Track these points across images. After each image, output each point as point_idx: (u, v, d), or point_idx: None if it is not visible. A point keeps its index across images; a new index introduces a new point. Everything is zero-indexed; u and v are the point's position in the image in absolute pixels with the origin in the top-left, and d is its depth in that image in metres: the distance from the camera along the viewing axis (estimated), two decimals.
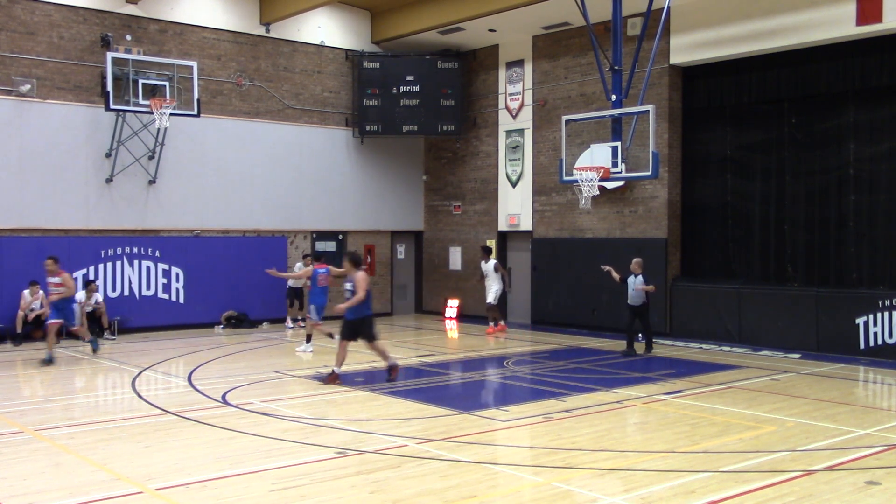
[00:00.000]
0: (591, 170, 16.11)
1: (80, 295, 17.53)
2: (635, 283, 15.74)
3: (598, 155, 16.21)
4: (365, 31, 23.10)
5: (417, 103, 22.60)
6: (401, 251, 24.52)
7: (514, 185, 22.13)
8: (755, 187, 18.21)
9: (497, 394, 12.83)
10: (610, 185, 18.14)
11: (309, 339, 16.47)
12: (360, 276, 12.66)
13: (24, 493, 7.12)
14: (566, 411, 10.59)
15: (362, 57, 22.73)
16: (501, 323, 19.97)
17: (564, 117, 17.30)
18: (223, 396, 11.56)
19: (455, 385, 13.50)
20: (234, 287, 20.75)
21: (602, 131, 17.76)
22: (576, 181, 16.44)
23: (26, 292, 17.44)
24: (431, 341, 18.64)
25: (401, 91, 22.59)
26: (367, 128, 22.78)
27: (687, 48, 18.41)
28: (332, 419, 10.10)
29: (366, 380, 13.09)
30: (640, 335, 16.47)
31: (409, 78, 22.58)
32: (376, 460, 8.21)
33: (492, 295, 19.59)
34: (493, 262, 19.84)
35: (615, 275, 16.27)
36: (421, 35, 22.06)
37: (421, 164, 24.55)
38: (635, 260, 15.99)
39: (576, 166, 16.49)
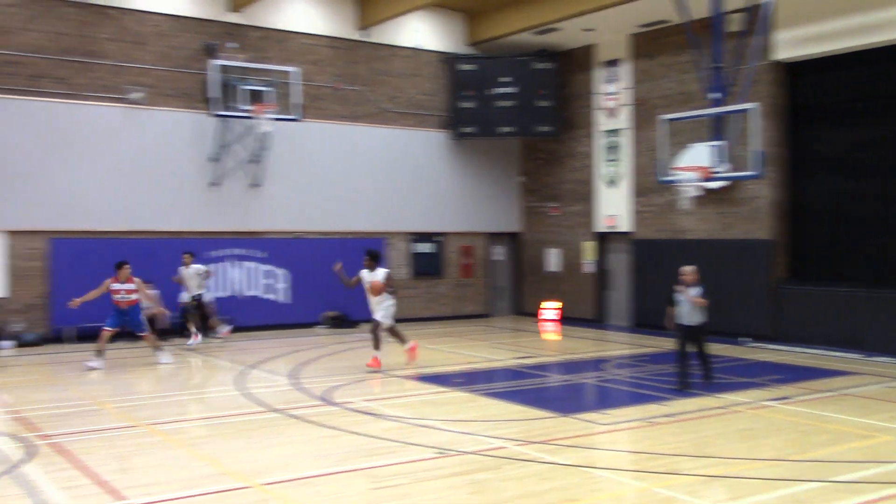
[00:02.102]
0: (691, 170, 15.78)
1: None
2: (689, 297, 12.21)
3: (698, 155, 15.86)
4: (460, 34, 23.18)
5: (513, 105, 22.54)
6: (498, 253, 24.50)
7: (611, 185, 21.86)
8: (867, 187, 17.45)
9: (597, 397, 12.68)
10: (711, 185, 17.71)
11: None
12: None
13: (141, 485, 7.39)
14: (668, 416, 10.38)
15: (458, 59, 22.82)
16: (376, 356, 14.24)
17: (663, 117, 16.99)
18: (325, 395, 11.77)
19: (553, 387, 13.40)
20: (334, 288, 21.07)
21: (703, 130, 17.36)
22: (675, 182, 16.12)
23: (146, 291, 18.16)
24: (529, 343, 18.57)
25: (496, 93, 22.58)
26: (463, 130, 22.85)
27: (792, 43, 17.82)
28: (431, 419, 10.16)
29: (465, 381, 13.12)
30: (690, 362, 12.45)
31: (505, 79, 22.54)
32: (475, 461, 8.22)
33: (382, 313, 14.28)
34: (382, 271, 14.32)
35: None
36: (516, 36, 22.01)
37: (517, 165, 24.47)
38: (689, 268, 12.44)
39: (676, 166, 16.18)
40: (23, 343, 17.09)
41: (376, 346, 14.10)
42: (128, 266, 14.88)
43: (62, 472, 7.81)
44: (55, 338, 17.71)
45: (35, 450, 8.62)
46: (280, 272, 20.57)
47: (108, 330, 14.64)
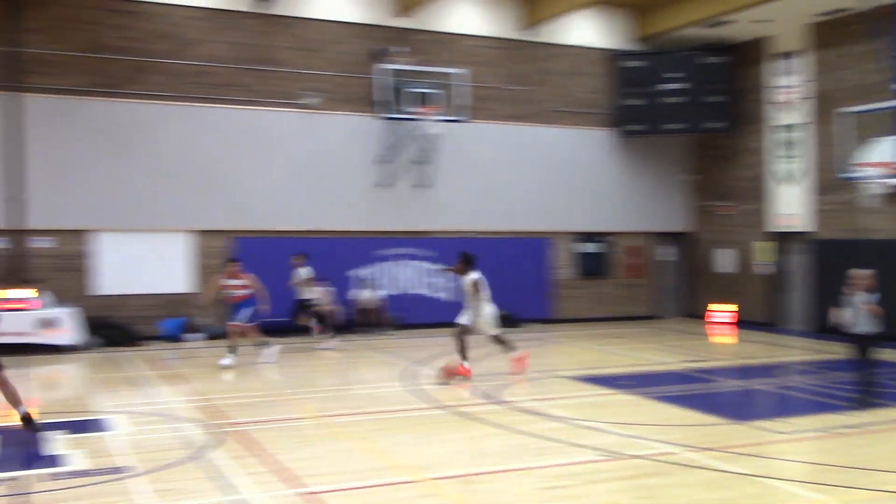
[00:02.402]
0: (875, 166, 14.86)
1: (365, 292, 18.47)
2: (861, 303, 10.98)
3: (883, 150, 14.92)
4: (626, 30, 22.78)
5: (683, 101, 21.94)
6: (665, 253, 23.92)
7: (787, 183, 20.87)
8: None
9: (772, 404, 12.16)
10: None
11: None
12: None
13: (318, 474, 7.73)
14: (853, 426, 9.82)
15: (624, 56, 22.44)
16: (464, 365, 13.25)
17: (843, 110, 16.06)
18: (491, 393, 11.88)
19: (725, 393, 12.95)
20: (500, 287, 21.13)
21: (888, 124, 16.28)
22: (858, 178, 15.21)
23: (318, 289, 18.91)
24: (699, 346, 18.03)
25: (665, 89, 22.04)
26: (630, 128, 22.46)
27: None
28: (598, 421, 10.06)
29: (632, 383, 12.90)
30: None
31: (674, 75, 21.98)
32: (644, 466, 8.07)
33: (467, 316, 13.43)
34: (471, 276, 13.37)
35: None
36: (685, 30, 21.41)
37: (685, 163, 23.80)
38: (863, 272, 11.12)
39: (859, 162, 15.27)
40: (212, 336, 18.18)
41: (461, 353, 13.09)
42: (236, 263, 15.17)
43: (246, 458, 8.28)
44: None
45: (222, 437, 9.17)
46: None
47: (236, 325, 14.92)
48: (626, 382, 12.95)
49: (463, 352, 13.16)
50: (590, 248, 22.70)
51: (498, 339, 13.59)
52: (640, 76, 22.25)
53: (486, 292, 13.29)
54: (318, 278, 18.30)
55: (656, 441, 9.00)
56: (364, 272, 20.04)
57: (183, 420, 10.20)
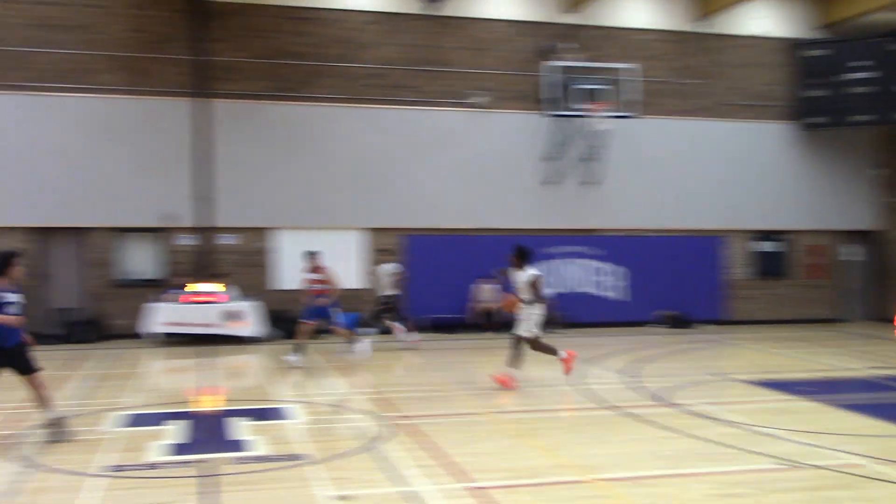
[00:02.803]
0: None
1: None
2: None
3: None
4: (807, 18, 21.67)
5: (871, 90, 20.63)
6: (850, 252, 22.56)
7: None
8: None
9: None
10: None
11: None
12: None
13: (487, 469, 7.78)
14: None
15: (804, 45, 21.33)
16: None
17: None
18: (661, 395, 11.59)
19: None
20: (671, 286, 20.75)
21: None
22: None
23: (483, 286, 19.11)
24: (889, 353, 16.89)
25: (851, 78, 20.79)
26: (811, 120, 21.34)
27: None
28: (774, 428, 9.61)
29: (812, 389, 12.25)
30: None
31: (861, 63, 20.70)
32: (827, 477, 7.64)
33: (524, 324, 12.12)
34: (528, 272, 12.10)
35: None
36: (874, 15, 20.13)
37: (873, 156, 22.35)
38: None
39: None
40: (383, 331, 18.69)
41: (511, 361, 12.13)
42: (316, 255, 14.61)
43: (415, 450, 8.45)
44: (410, 326, 19.15)
45: (393, 429, 9.42)
46: (615, 269, 20.60)
47: (334, 327, 14.68)
48: (807, 388, 12.29)
49: (515, 360, 12.08)
50: (767, 246, 21.75)
51: (537, 345, 12.10)
52: (823, 66, 21.09)
53: (542, 291, 12.06)
54: (486, 276, 18.46)
55: (840, 451, 8.50)
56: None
57: (356, 411, 10.54)
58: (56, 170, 17.84)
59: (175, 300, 17.07)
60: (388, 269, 17.63)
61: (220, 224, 18.55)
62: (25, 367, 8.77)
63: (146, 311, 17.01)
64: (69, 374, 13.36)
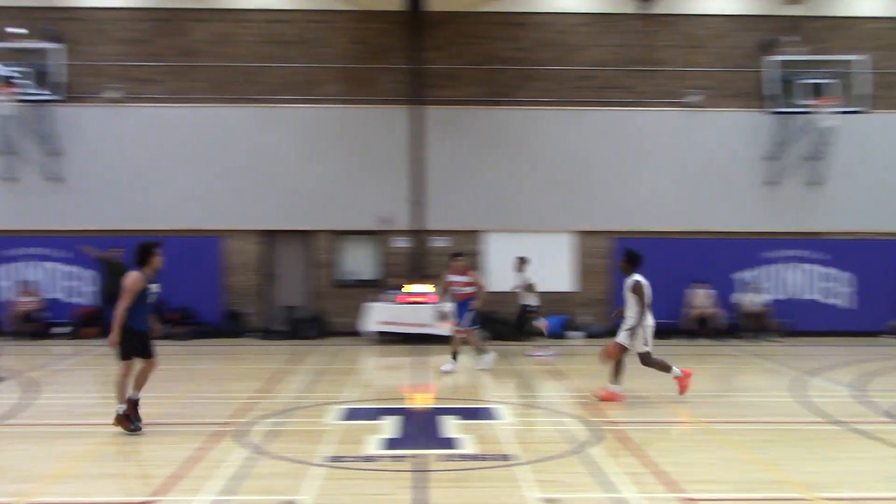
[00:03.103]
0: None
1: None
2: None
3: None
4: None
5: None
6: None
7: None
8: None
9: None
10: None
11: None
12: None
13: (698, 481, 7.51)
14: None
15: None
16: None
17: None
18: (894, 412, 10.73)
19: None
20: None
21: None
22: None
23: (698, 291, 18.50)
24: None
25: None
26: None
27: None
28: None
29: None
30: None
31: None
32: None
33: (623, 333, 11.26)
34: (633, 279, 11.16)
35: None
36: None
37: None
38: None
39: None
40: (591, 334, 18.55)
41: (613, 375, 11.22)
42: (462, 258, 14.18)
43: (623, 457, 8.31)
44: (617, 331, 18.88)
45: (600, 434, 9.31)
46: (841, 275, 19.28)
47: (461, 330, 13.94)
48: None
49: (617, 373, 11.26)
50: None
51: (646, 359, 11.19)
52: None
53: (648, 299, 11.06)
54: (699, 280, 17.86)
55: None
56: (748, 275, 19.14)
57: (563, 415, 10.51)
58: (283, 177, 19.06)
59: (391, 300, 17.74)
60: (525, 277, 17.15)
61: (432, 227, 19.10)
62: (149, 352, 9.41)
63: (364, 311, 17.79)
64: (293, 368, 14.23)
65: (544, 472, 7.77)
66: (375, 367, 15.20)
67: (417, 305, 17.60)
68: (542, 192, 19.20)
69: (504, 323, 18.42)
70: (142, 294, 9.21)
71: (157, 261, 9.40)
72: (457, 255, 14.20)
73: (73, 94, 18.76)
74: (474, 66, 19.19)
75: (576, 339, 18.50)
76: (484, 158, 19.20)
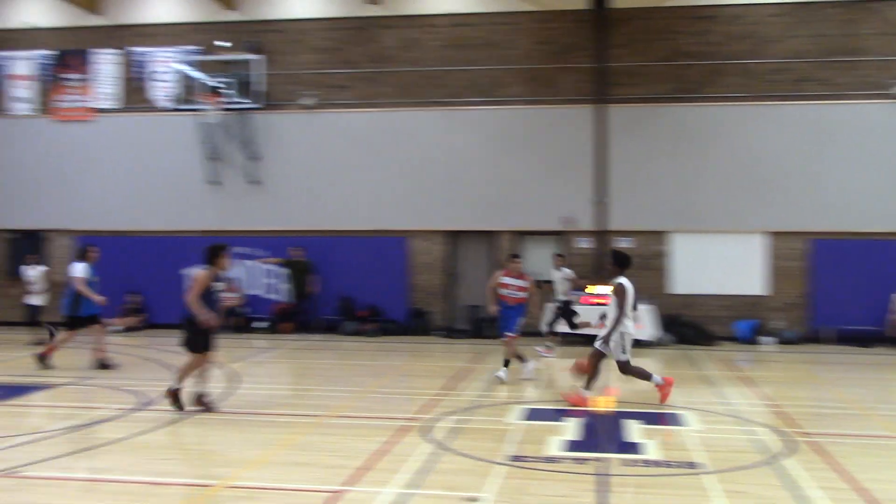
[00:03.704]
0: None
1: None
2: None
3: None
4: None
5: None
6: None
7: None
8: None
9: None
10: None
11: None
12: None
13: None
14: None
15: None
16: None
17: None
18: None
19: None
20: None
21: None
22: None
23: None
24: None
25: None
26: None
27: None
28: None
29: None
30: None
31: None
32: None
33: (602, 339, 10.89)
34: (617, 281, 10.89)
35: None
36: None
37: None
38: None
39: None
40: (783, 340, 17.69)
41: (586, 377, 10.87)
42: (518, 259, 13.22)
43: (819, 471, 7.87)
44: (813, 337, 17.91)
45: (794, 445, 8.85)
46: None
47: (511, 336, 12.85)
48: None
49: (590, 378, 10.85)
50: None
51: (625, 368, 10.82)
52: None
53: (630, 305, 10.63)
54: None
55: None
56: None
57: (754, 423, 10.07)
58: (468, 178, 19.36)
59: (575, 301, 17.58)
60: (565, 273, 16.71)
61: (616, 227, 18.81)
62: (213, 345, 10.24)
63: (548, 311, 17.76)
64: (476, 367, 14.41)
65: (733, 483, 7.49)
66: (557, 368, 15.14)
67: (602, 307, 17.34)
68: (732, 192, 18.46)
69: (691, 326, 17.90)
70: (208, 291, 10.03)
71: (225, 262, 10.28)
72: (514, 255, 13.43)
73: (271, 101, 19.89)
74: (660, 63, 18.73)
75: (768, 345, 17.67)
76: (669, 157, 18.70)
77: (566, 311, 16.49)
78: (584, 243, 19.03)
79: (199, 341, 10.21)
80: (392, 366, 14.53)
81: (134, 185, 20.49)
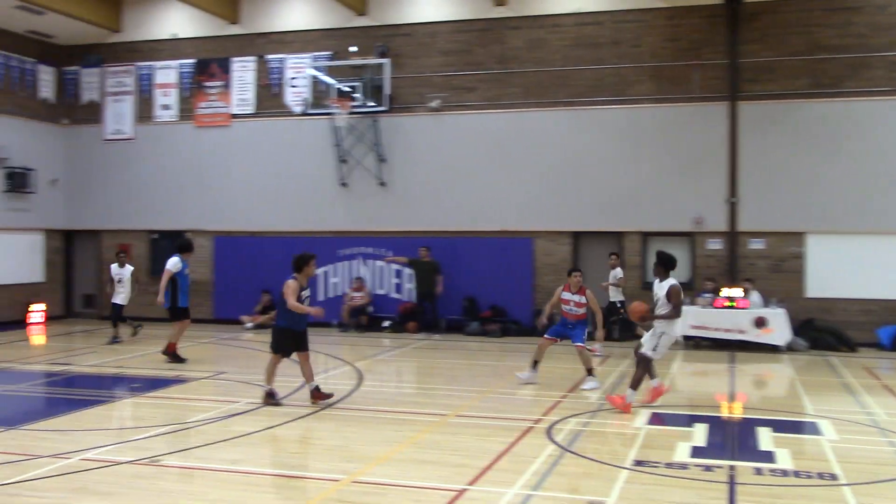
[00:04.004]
0: None
1: None
2: None
3: None
4: None
5: None
6: None
7: None
8: None
9: None
10: None
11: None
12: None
13: None
14: None
15: None
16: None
17: None
18: None
19: None
20: None
21: None
22: None
23: None
24: None
25: None
26: None
27: None
28: None
29: None
30: None
31: None
32: None
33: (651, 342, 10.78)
34: (667, 283, 10.78)
35: None
36: None
37: None
38: None
39: None
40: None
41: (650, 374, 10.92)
42: (579, 274, 12.64)
43: None
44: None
45: None
46: None
47: (547, 339, 12.58)
48: None
49: (638, 381, 10.65)
50: None
51: (645, 361, 10.68)
52: None
53: (681, 305, 10.69)
54: None
55: None
56: None
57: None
58: (593, 178, 19.14)
59: (705, 304, 17.17)
60: (616, 273, 16.50)
61: (747, 228, 18.20)
62: (304, 346, 10.87)
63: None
64: (596, 370, 14.24)
65: (872, 497, 7.15)
66: (685, 372, 14.80)
67: (734, 310, 16.86)
68: (873, 191, 17.54)
69: (828, 331, 17.14)
70: (298, 298, 10.64)
71: (311, 270, 10.90)
72: (574, 270, 12.90)
73: (397, 104, 20.23)
74: (797, 57, 18.01)
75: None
76: (805, 154, 17.94)
77: (616, 313, 16.88)
78: (715, 245, 18.51)
79: (284, 345, 10.87)
80: (515, 367, 14.53)
81: (267, 187, 21.25)
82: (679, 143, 18.67)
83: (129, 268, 17.89)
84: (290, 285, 10.68)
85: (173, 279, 14.75)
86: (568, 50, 19.38)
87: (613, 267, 17.07)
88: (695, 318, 16.95)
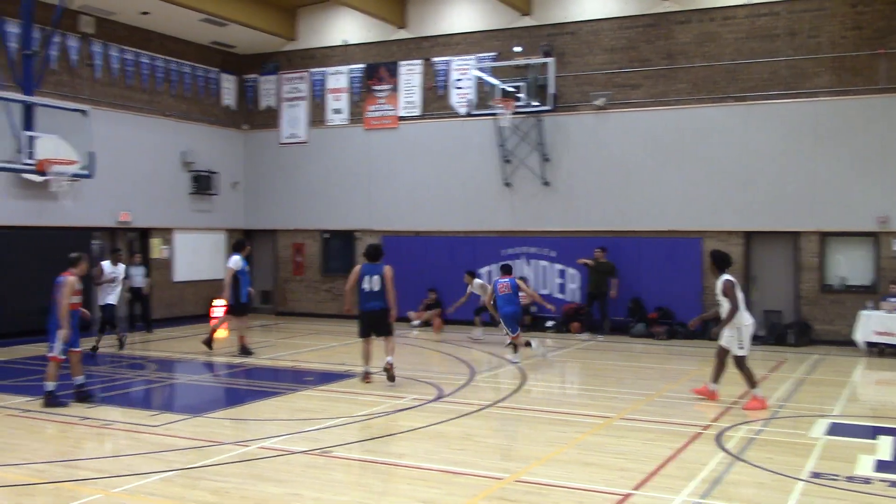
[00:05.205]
0: None
1: None
2: None
3: None
4: None
5: None
6: None
7: None
8: None
9: None
10: None
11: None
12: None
13: None
14: None
15: None
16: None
17: None
18: None
19: None
20: None
21: None
22: None
23: None
24: None
25: None
26: None
27: None
28: None
29: None
30: None
31: None
32: None
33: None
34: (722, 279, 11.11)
35: None
36: None
37: None
38: None
39: None
40: None
41: (714, 375, 11.30)
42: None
43: None
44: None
45: None
46: None
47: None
48: None
49: (717, 374, 11.26)
50: None
51: (740, 363, 10.93)
52: None
53: (740, 298, 10.88)
54: None
55: None
56: None
57: None
58: (766, 175, 18.31)
59: (891, 309, 16.09)
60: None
61: None
62: (387, 330, 12.37)
63: (857, 319, 16.41)
64: (768, 376, 13.64)
65: None
66: (866, 381, 13.94)
67: None
68: None
69: None
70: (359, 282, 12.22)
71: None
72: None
73: (561, 103, 20.10)
74: None
75: None
76: None
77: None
78: None
79: (362, 328, 12.56)
80: (683, 370, 14.15)
81: (432, 187, 21.63)
82: (861, 138, 17.57)
83: (121, 266, 16.47)
84: (391, 273, 12.45)
85: (235, 277, 15.22)
86: (740, 43, 18.62)
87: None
88: (879, 324, 15.94)
